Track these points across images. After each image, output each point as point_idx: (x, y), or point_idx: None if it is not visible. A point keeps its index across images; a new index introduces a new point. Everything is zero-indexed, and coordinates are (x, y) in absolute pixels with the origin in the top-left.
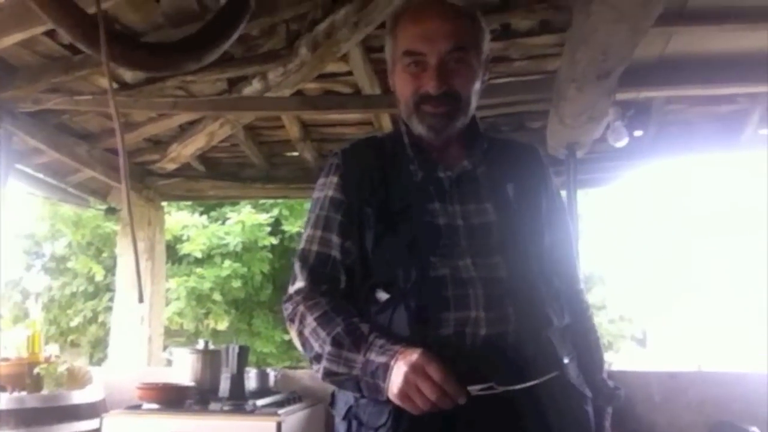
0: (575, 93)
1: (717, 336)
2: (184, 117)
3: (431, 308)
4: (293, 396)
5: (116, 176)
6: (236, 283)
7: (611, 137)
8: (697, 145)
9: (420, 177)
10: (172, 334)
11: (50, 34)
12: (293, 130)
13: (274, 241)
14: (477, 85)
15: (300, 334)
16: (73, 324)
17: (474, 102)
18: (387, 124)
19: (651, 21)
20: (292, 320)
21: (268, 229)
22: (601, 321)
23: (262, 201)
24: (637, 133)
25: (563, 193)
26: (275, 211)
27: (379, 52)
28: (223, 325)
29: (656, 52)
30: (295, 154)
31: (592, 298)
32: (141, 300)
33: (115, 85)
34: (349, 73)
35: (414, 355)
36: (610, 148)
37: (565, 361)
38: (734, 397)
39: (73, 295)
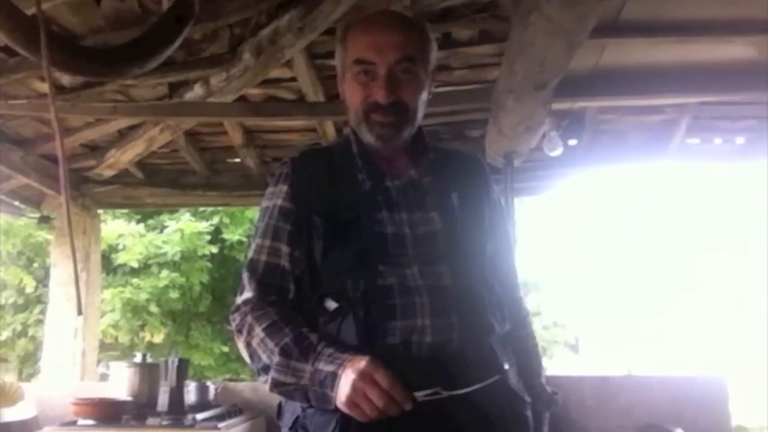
0: (513, 103)
1: (647, 340)
2: (122, 122)
3: (378, 317)
4: (234, 409)
5: (51, 183)
6: (174, 294)
7: (547, 146)
8: (628, 154)
9: (368, 186)
10: (107, 348)
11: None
12: (236, 137)
13: (214, 249)
14: (424, 96)
15: (248, 345)
16: (1, 339)
17: (421, 112)
18: (331, 132)
19: (586, 33)
20: (239, 331)
21: (208, 237)
22: (535, 327)
23: (201, 209)
24: (572, 142)
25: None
26: (215, 219)
27: (323, 58)
28: (159, 338)
29: (590, 64)
30: (238, 160)
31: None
32: (80, 312)
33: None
34: (293, 79)
35: (362, 363)
36: (546, 157)
37: (506, 366)
38: (662, 400)
39: (1, 307)
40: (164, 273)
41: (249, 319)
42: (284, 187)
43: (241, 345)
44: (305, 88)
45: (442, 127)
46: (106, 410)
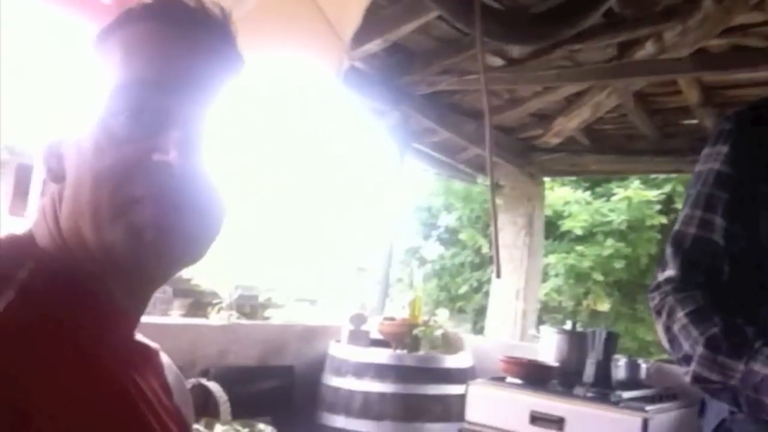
0: None
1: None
2: (569, 89)
3: None
4: (666, 393)
5: (500, 152)
6: (618, 264)
7: None
8: None
9: None
10: (551, 311)
11: (444, 17)
12: (691, 95)
13: (664, 220)
14: None
15: (667, 329)
16: (461, 292)
17: None
18: None
19: None
20: (658, 312)
21: (658, 207)
22: None
23: (653, 176)
24: None
25: None
26: (667, 188)
27: None
28: (603, 307)
29: None
30: (693, 122)
31: None
32: (498, 275)
33: (501, 62)
34: (765, 23)
35: None
36: None
37: None
38: None
39: (462, 264)
40: (609, 242)
41: (670, 300)
42: (724, 148)
43: (659, 328)
44: None
45: None
46: (532, 372)
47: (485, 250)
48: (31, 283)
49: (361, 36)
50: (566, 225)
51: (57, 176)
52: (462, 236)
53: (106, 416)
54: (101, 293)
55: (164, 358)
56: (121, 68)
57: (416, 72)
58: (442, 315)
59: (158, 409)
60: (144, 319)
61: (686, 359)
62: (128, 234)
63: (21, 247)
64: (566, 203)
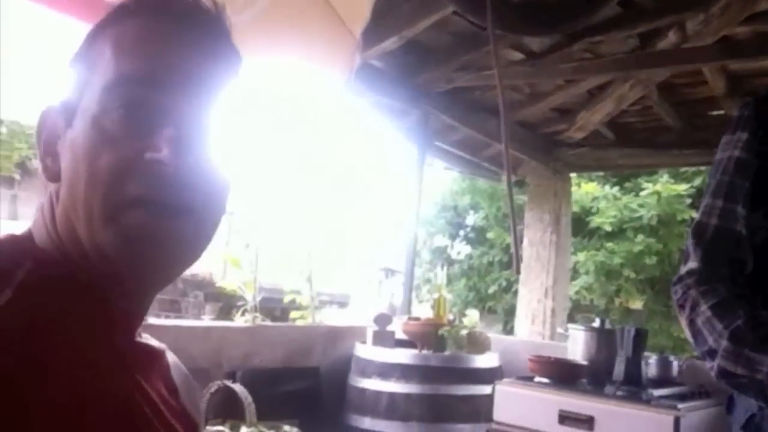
0: None
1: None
2: (591, 82)
3: None
4: (699, 390)
5: (524, 149)
6: (650, 260)
7: None
8: None
9: None
10: (582, 309)
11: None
12: (717, 85)
13: (695, 214)
14: None
15: (691, 323)
16: (490, 291)
17: None
18: None
19: None
20: (682, 306)
21: (689, 201)
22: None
23: (683, 169)
24: None
25: None
26: (697, 181)
27: None
28: (636, 304)
29: None
30: (720, 112)
31: None
32: (517, 272)
33: (521, 56)
34: None
35: None
36: None
37: None
38: None
39: (490, 264)
40: (639, 238)
41: (693, 293)
42: (743, 135)
43: (683, 322)
44: None
45: None
46: (560, 371)
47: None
48: (28, 283)
49: (377, 34)
50: (595, 221)
51: (53, 175)
52: (489, 235)
53: (104, 416)
54: (98, 293)
55: (170, 358)
56: (113, 65)
57: (434, 69)
58: (473, 315)
59: (161, 408)
60: (166, 322)
61: (711, 353)
62: (120, 238)
63: (19, 246)
64: (594, 199)
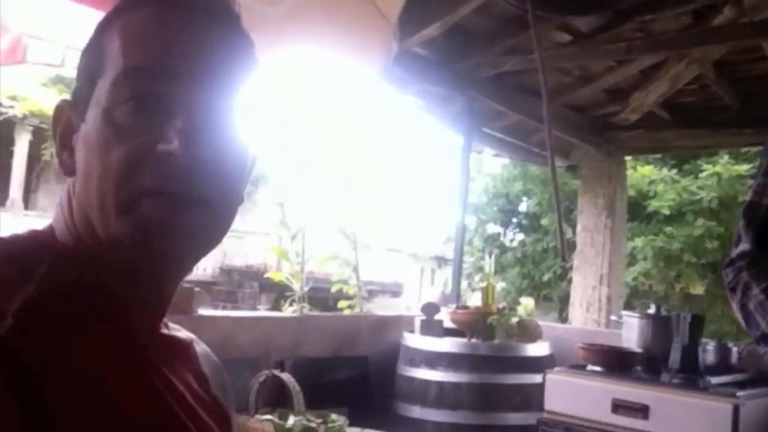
0: None
1: None
2: (644, 62)
3: None
4: (759, 377)
5: (576, 133)
6: (711, 245)
7: None
8: None
9: None
10: (641, 296)
11: None
12: None
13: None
14: None
15: (742, 307)
16: (544, 279)
17: None
18: None
19: None
20: (733, 290)
21: (750, 182)
22: None
23: (744, 149)
24: None
25: None
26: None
27: None
28: (697, 290)
29: None
30: None
31: None
32: (563, 258)
33: (569, 38)
34: None
35: None
36: None
37: None
38: None
39: (545, 251)
40: (700, 221)
41: (744, 276)
42: None
43: (735, 306)
44: None
45: None
46: (613, 359)
47: (569, 235)
48: (49, 278)
49: (418, 20)
50: (652, 205)
51: (69, 169)
52: (543, 221)
53: (129, 409)
54: (118, 286)
55: (199, 348)
56: (122, 57)
57: (478, 54)
58: (528, 304)
59: (189, 399)
60: (216, 313)
61: (764, 338)
62: (134, 230)
63: (41, 242)
64: (651, 182)
